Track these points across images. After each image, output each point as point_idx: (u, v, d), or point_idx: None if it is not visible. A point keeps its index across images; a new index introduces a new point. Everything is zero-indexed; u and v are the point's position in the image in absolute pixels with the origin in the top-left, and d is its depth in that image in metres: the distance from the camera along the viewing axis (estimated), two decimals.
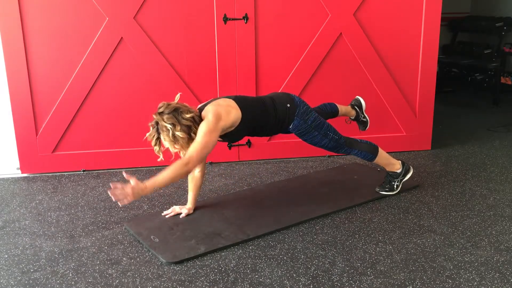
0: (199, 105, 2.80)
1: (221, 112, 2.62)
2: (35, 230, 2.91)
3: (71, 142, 3.84)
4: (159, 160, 2.68)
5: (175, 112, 2.55)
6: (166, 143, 2.59)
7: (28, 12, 3.55)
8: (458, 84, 6.58)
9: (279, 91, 3.07)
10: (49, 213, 3.14)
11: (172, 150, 2.64)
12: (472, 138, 4.66)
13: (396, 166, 3.25)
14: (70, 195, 3.44)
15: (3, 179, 3.78)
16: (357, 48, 3.98)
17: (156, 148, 2.63)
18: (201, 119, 2.64)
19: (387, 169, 3.28)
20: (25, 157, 3.80)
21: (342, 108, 3.45)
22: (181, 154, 2.69)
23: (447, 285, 2.26)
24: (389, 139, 4.20)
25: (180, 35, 3.76)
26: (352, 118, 3.53)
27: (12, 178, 3.81)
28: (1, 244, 2.75)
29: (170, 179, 2.50)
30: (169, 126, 2.53)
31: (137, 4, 3.65)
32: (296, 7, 3.84)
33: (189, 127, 2.57)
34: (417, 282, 2.29)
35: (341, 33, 3.94)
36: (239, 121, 2.70)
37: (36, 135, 3.77)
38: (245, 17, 3.77)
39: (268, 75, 3.93)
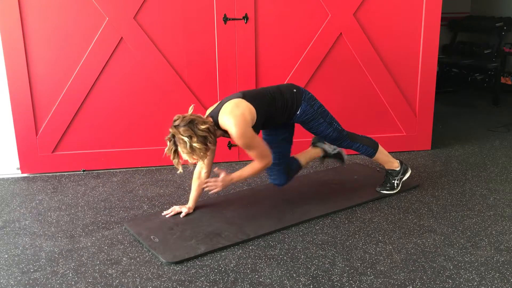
0: (209, 112, 2.82)
1: (241, 120, 2.67)
2: (35, 230, 2.91)
3: (71, 142, 3.84)
4: (178, 172, 2.76)
5: (191, 124, 2.58)
6: (184, 155, 2.63)
7: (28, 12, 3.55)
8: (458, 84, 6.58)
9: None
10: (49, 213, 3.14)
11: (191, 161, 2.67)
12: (472, 138, 4.66)
13: (395, 164, 3.28)
14: (70, 195, 3.44)
15: (3, 179, 3.78)
16: (357, 48, 3.98)
17: (175, 161, 2.67)
18: (215, 128, 2.69)
19: (386, 167, 3.30)
20: (25, 157, 3.80)
21: (306, 156, 3.27)
22: (199, 164, 2.85)
23: (447, 285, 2.26)
24: (389, 139, 4.20)
25: (180, 35, 3.76)
26: (322, 155, 3.35)
27: (12, 178, 3.81)
28: (1, 244, 2.75)
29: (251, 174, 2.83)
30: (186, 139, 2.56)
31: (137, 4, 3.65)
32: (296, 7, 3.84)
33: (205, 137, 2.60)
34: (417, 282, 2.29)
35: (341, 33, 3.94)
36: (255, 115, 2.74)
37: (36, 135, 3.77)
38: (245, 17, 3.77)
39: (268, 75, 3.93)
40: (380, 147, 3.23)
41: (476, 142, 4.53)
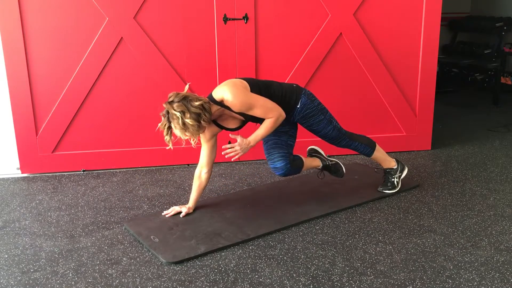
0: (209, 95, 2.83)
1: (236, 84, 2.72)
2: (35, 230, 2.91)
3: (71, 142, 3.84)
4: (167, 148, 2.73)
5: (185, 100, 2.60)
6: (177, 131, 2.64)
7: (28, 12, 3.55)
8: (458, 84, 6.58)
9: None
10: (49, 213, 3.14)
11: (183, 137, 2.69)
12: (472, 138, 4.66)
13: (392, 162, 3.31)
14: (70, 195, 3.44)
15: (3, 179, 3.78)
16: (357, 48, 3.98)
17: (167, 138, 2.68)
18: (210, 106, 2.69)
19: (384, 166, 3.31)
20: (25, 157, 3.80)
21: (306, 164, 3.16)
22: (192, 142, 2.77)
23: (447, 285, 2.26)
24: (389, 139, 4.20)
25: (180, 35, 3.76)
26: (320, 167, 3.27)
27: (12, 178, 3.81)
28: (1, 244, 2.75)
29: (267, 131, 2.78)
30: (178, 114, 2.57)
31: (137, 4, 3.65)
32: (296, 7, 3.84)
33: (198, 114, 2.61)
34: (417, 282, 2.29)
35: (341, 33, 3.94)
36: (249, 89, 2.76)
37: (36, 135, 3.77)
38: (245, 17, 3.77)
39: (268, 75, 3.92)
40: (378, 146, 3.25)
41: (476, 142, 4.53)
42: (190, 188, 3.07)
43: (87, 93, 3.75)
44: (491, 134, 4.79)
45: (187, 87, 2.74)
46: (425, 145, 4.30)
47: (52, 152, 3.83)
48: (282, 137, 2.99)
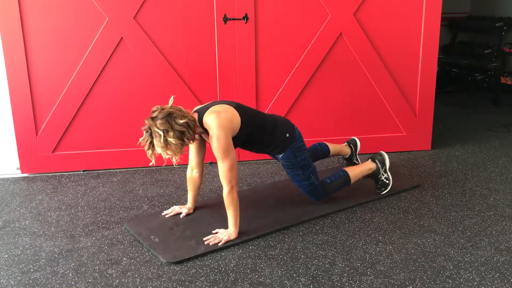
0: (197, 108, 2.76)
1: (226, 123, 2.59)
2: (35, 230, 2.91)
3: (71, 142, 3.84)
4: (151, 164, 2.63)
5: (169, 117, 2.51)
6: (159, 149, 2.54)
7: (28, 12, 3.55)
8: (458, 84, 6.58)
9: (284, 117, 3.08)
10: (49, 213, 3.14)
11: (164, 156, 2.59)
12: (472, 138, 4.66)
13: (368, 166, 3.26)
14: (70, 195, 3.44)
15: (3, 179, 3.78)
16: (357, 48, 3.98)
17: (149, 152, 2.58)
18: (195, 124, 2.60)
19: (368, 176, 3.27)
20: (25, 157, 3.80)
21: (336, 147, 3.45)
22: (173, 160, 2.64)
23: (447, 285, 2.26)
24: (389, 139, 4.20)
25: (180, 35, 3.76)
26: (346, 157, 3.52)
27: (12, 178, 3.81)
28: (1, 244, 2.75)
29: (235, 213, 2.67)
30: (161, 132, 2.49)
31: (137, 4, 3.65)
32: (296, 7, 3.84)
33: (182, 132, 2.53)
34: (417, 282, 2.29)
35: (341, 33, 3.94)
36: (238, 129, 2.68)
37: (36, 135, 3.77)
38: (245, 17, 3.77)
39: (268, 75, 3.93)
40: (351, 173, 3.16)
41: (476, 142, 4.53)
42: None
43: (87, 93, 3.76)
44: (491, 134, 4.79)
45: (171, 100, 2.63)
46: (425, 145, 4.30)
47: (52, 152, 3.83)
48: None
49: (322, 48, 3.94)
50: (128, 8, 3.65)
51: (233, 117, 2.65)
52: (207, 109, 2.66)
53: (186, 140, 2.56)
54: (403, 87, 4.15)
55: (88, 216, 3.09)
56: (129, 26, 3.68)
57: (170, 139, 2.50)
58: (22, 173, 3.85)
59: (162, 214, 3.01)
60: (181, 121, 2.51)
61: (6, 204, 3.31)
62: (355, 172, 3.20)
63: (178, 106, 2.63)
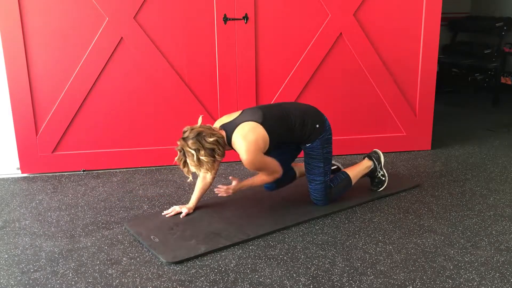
0: (223, 121, 2.82)
1: (254, 148, 2.69)
2: (35, 230, 2.91)
3: (71, 142, 3.84)
4: (188, 181, 2.78)
5: (199, 136, 2.61)
6: (192, 167, 2.66)
7: (28, 12, 3.55)
8: (458, 84, 6.58)
9: (313, 106, 3.07)
10: (49, 213, 3.14)
11: (198, 173, 2.71)
12: (472, 138, 4.66)
13: (366, 165, 3.27)
14: (70, 195, 3.44)
15: (3, 179, 3.78)
16: (357, 48, 3.98)
17: (185, 170, 2.70)
18: (224, 141, 2.71)
19: (366, 174, 3.28)
20: (25, 157, 3.80)
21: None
22: (208, 175, 2.80)
23: (447, 285, 2.26)
24: (389, 139, 4.20)
25: (180, 35, 3.76)
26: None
27: (12, 178, 3.81)
28: (1, 244, 2.75)
29: (260, 184, 2.93)
30: (193, 152, 2.59)
31: (137, 4, 3.65)
32: (296, 7, 3.84)
33: (213, 150, 2.64)
34: (417, 282, 2.29)
35: (341, 33, 3.93)
36: (268, 143, 2.77)
37: (36, 135, 3.77)
38: (245, 17, 3.77)
39: (268, 75, 3.93)
40: (352, 175, 3.17)
41: (476, 142, 4.53)
42: (190, 188, 3.07)
43: (87, 93, 3.75)
44: (491, 134, 4.79)
45: (200, 119, 2.76)
46: (425, 145, 4.30)
47: (52, 152, 3.83)
48: (281, 156, 3.01)
49: (322, 48, 3.94)
50: (128, 8, 3.65)
51: (260, 137, 2.73)
52: (235, 128, 2.74)
53: (217, 156, 2.67)
54: (403, 87, 4.15)
55: (88, 216, 3.09)
56: (129, 26, 3.68)
57: (202, 158, 2.61)
58: (22, 173, 3.85)
59: (162, 214, 3.01)
60: (211, 139, 2.63)
61: (6, 204, 3.31)
62: (354, 172, 3.21)
63: (207, 125, 2.74)
